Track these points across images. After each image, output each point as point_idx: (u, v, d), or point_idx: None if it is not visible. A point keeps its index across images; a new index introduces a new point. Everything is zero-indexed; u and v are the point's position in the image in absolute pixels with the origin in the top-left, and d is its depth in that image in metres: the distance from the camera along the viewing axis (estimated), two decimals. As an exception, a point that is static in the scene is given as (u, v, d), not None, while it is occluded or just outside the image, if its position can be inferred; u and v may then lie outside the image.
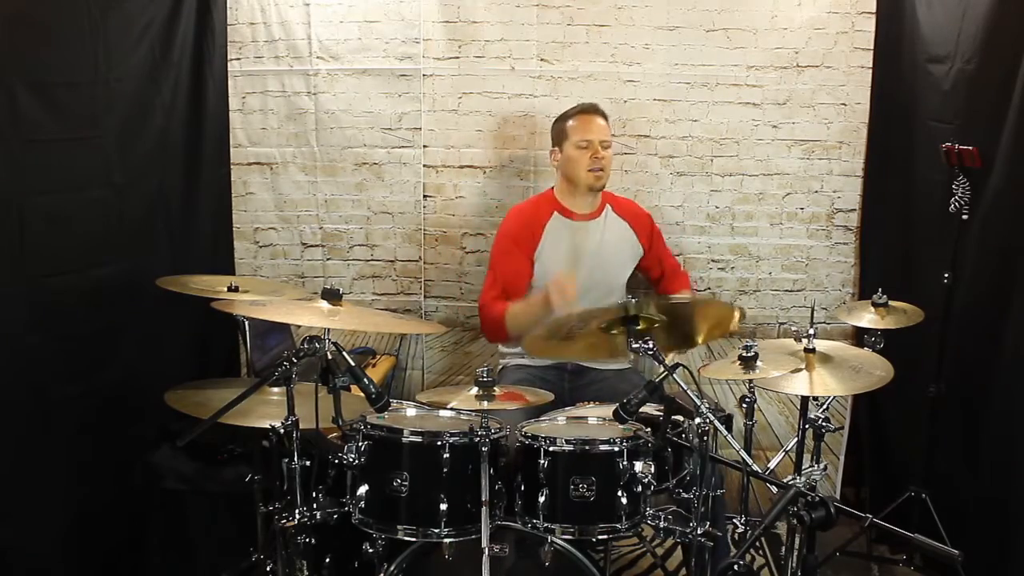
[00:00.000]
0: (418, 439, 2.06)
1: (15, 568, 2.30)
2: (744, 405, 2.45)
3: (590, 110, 2.91)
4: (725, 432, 2.01)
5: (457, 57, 3.24)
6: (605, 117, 2.92)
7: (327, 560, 2.22)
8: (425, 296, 3.42)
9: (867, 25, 3.14)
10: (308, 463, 2.05)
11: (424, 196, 3.35)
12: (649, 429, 2.13)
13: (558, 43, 3.21)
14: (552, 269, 2.85)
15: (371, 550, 2.12)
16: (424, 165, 3.33)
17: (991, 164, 2.56)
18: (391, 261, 3.41)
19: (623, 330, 2.07)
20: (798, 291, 3.32)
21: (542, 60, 3.23)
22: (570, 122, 2.89)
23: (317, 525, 2.07)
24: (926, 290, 2.79)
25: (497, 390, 2.27)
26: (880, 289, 2.62)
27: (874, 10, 3.12)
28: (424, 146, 3.31)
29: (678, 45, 3.18)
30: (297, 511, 2.04)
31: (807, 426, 2.35)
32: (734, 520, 2.36)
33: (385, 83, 3.27)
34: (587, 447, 2.08)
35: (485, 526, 1.93)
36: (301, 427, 2.03)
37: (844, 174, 3.24)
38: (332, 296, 2.13)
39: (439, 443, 2.03)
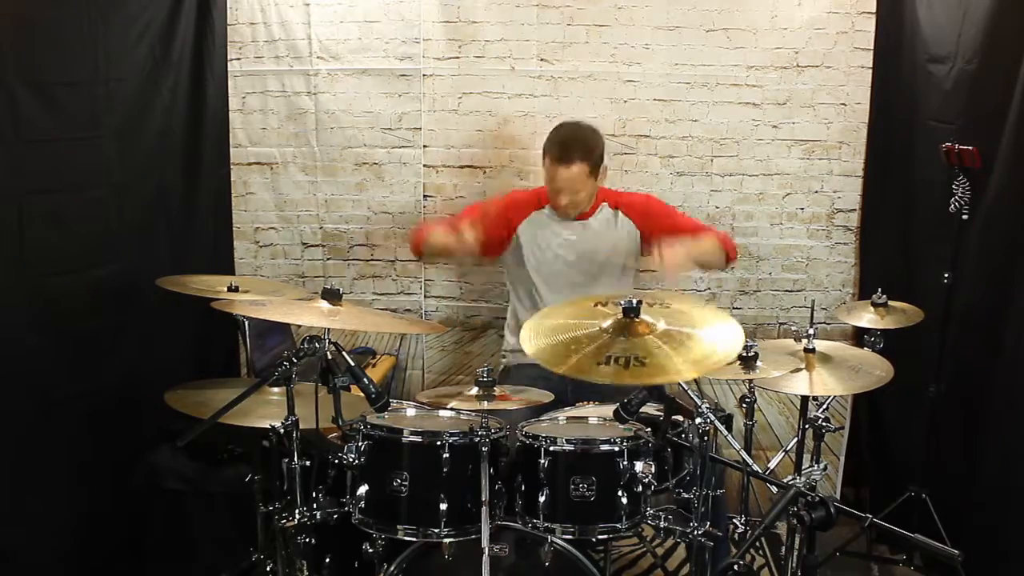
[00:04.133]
0: (418, 439, 2.05)
1: (15, 568, 2.30)
2: (744, 405, 2.45)
3: (563, 159, 2.70)
4: (725, 432, 2.02)
5: (457, 57, 3.24)
6: (586, 156, 2.70)
7: (327, 560, 2.21)
8: (425, 296, 3.42)
9: (867, 25, 3.14)
10: (308, 463, 2.05)
11: (424, 196, 3.35)
12: (649, 429, 2.13)
13: (558, 43, 3.21)
14: (531, 257, 2.89)
15: (371, 550, 2.12)
16: (424, 165, 3.32)
17: (991, 164, 2.56)
18: (391, 261, 3.41)
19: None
20: (798, 291, 3.32)
21: (542, 60, 3.23)
22: (546, 159, 2.78)
23: (317, 525, 2.06)
24: (926, 290, 2.79)
25: (497, 390, 2.27)
26: (880, 289, 2.62)
27: (874, 10, 3.12)
28: (424, 146, 3.31)
29: (678, 45, 3.18)
30: (297, 511, 2.04)
31: (807, 426, 2.36)
32: (734, 520, 2.36)
33: (385, 83, 3.27)
34: (587, 447, 2.07)
35: (485, 526, 1.93)
36: (301, 427, 2.03)
37: (844, 174, 3.24)
38: (332, 296, 2.13)
39: (439, 443, 2.03)
